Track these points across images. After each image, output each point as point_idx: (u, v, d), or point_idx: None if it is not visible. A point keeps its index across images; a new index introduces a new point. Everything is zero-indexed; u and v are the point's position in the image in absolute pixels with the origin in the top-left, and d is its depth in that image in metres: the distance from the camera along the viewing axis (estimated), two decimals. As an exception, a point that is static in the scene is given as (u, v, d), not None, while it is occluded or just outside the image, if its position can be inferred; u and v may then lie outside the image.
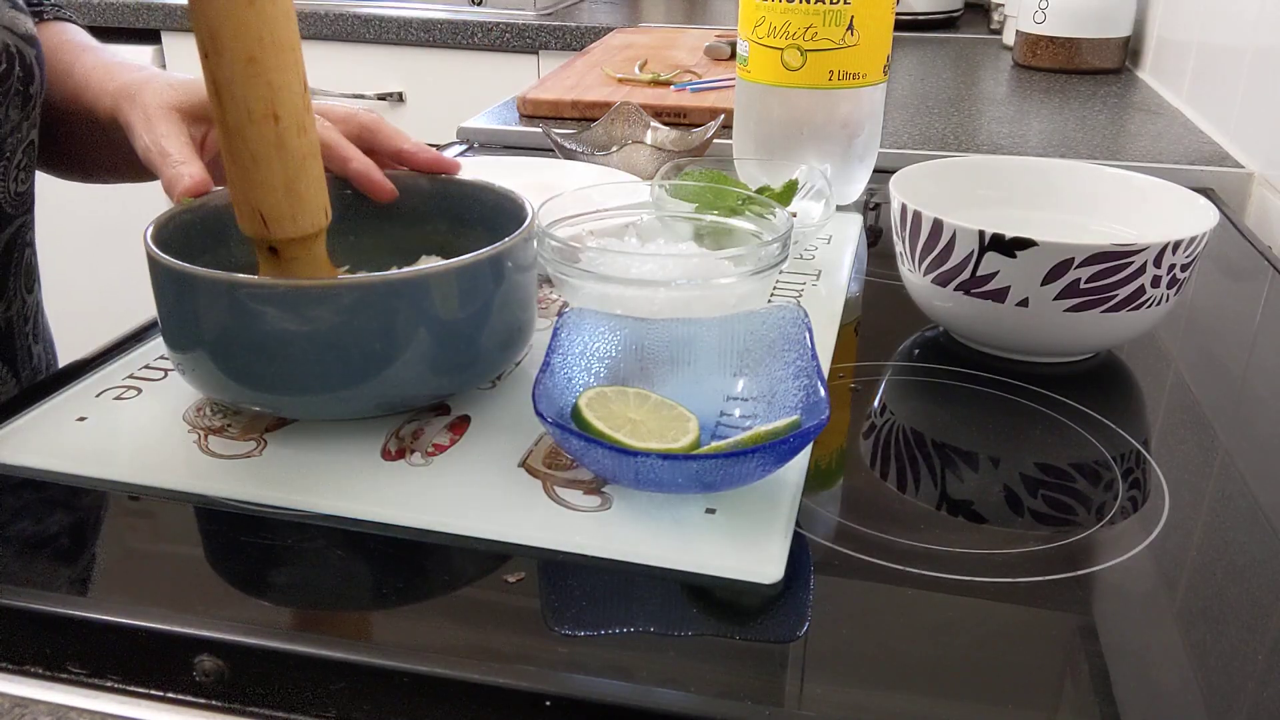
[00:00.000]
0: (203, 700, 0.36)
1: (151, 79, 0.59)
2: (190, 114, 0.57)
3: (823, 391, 0.45)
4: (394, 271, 0.47)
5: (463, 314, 0.47)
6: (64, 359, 0.73)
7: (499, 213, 0.55)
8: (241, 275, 0.45)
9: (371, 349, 0.45)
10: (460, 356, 0.48)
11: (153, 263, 0.47)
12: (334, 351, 0.45)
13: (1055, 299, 0.55)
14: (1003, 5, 1.64)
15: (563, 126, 1.06)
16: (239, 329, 0.45)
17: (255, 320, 0.44)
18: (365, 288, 0.45)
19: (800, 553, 0.42)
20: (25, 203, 0.65)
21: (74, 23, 0.71)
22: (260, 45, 0.42)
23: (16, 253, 0.64)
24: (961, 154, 0.99)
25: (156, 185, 0.60)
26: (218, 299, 0.45)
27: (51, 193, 0.80)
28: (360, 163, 0.56)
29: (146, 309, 0.56)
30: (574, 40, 1.70)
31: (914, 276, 0.61)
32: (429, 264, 0.49)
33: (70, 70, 0.65)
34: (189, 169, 0.53)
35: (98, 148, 0.69)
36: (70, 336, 0.79)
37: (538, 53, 1.74)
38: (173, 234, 0.50)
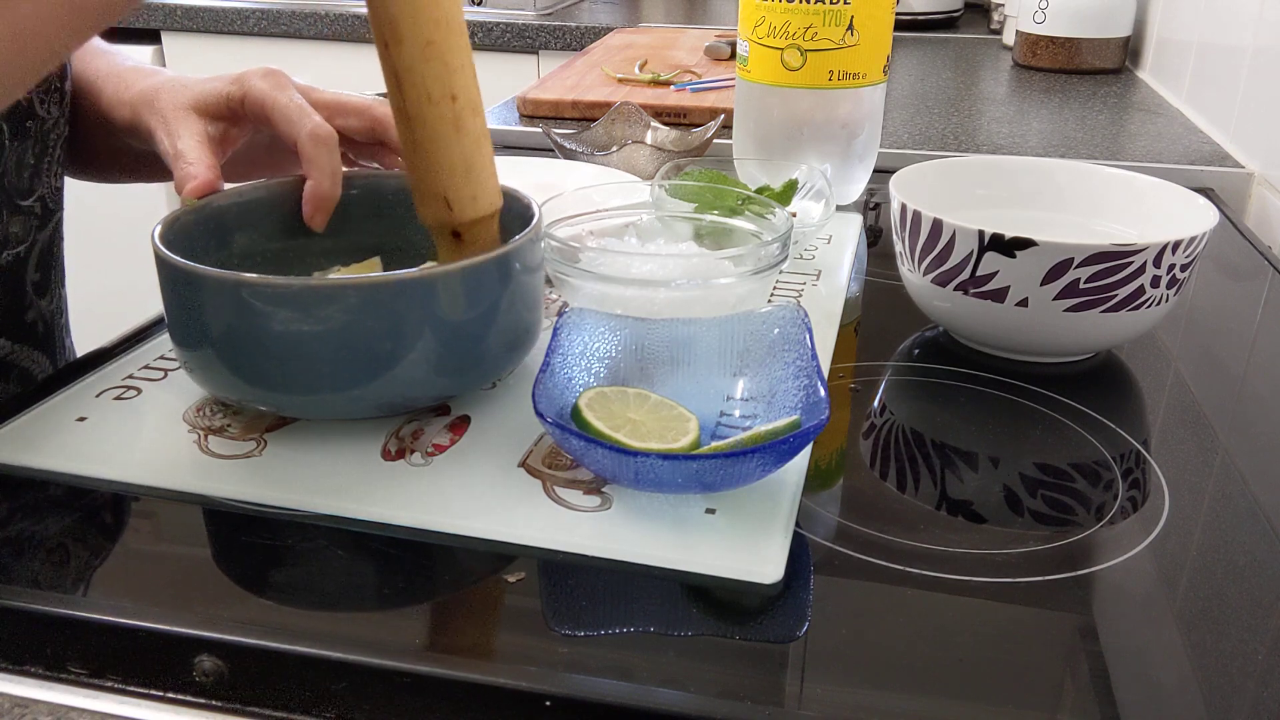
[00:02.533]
0: (203, 700, 0.36)
1: (167, 82, 0.59)
2: (207, 111, 0.57)
3: (823, 391, 0.45)
4: (401, 272, 0.47)
5: (469, 314, 0.47)
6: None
7: (503, 212, 0.55)
8: (247, 274, 0.45)
9: (378, 349, 0.45)
10: (466, 357, 0.48)
11: (160, 262, 0.47)
12: (340, 351, 0.45)
13: (1055, 299, 0.55)
14: (1003, 5, 1.64)
15: (563, 126, 1.06)
16: (245, 328, 0.45)
17: (261, 319, 0.44)
18: (372, 288, 0.45)
19: (800, 553, 0.42)
20: (61, 197, 0.66)
21: None
22: (436, 28, 0.44)
23: (56, 247, 0.65)
24: (961, 154, 0.99)
25: (155, 186, 0.60)
26: (224, 298, 0.45)
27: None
28: (315, 180, 0.54)
29: (146, 309, 0.56)
30: (574, 40, 1.70)
31: (914, 276, 0.61)
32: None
33: (82, 75, 0.66)
34: (196, 169, 0.54)
35: (111, 151, 0.69)
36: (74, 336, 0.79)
37: (538, 53, 1.74)
38: (179, 234, 0.50)
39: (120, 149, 0.66)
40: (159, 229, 0.49)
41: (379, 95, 0.59)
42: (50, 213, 0.63)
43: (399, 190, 0.59)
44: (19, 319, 0.62)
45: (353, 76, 1.79)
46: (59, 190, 0.65)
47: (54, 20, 0.43)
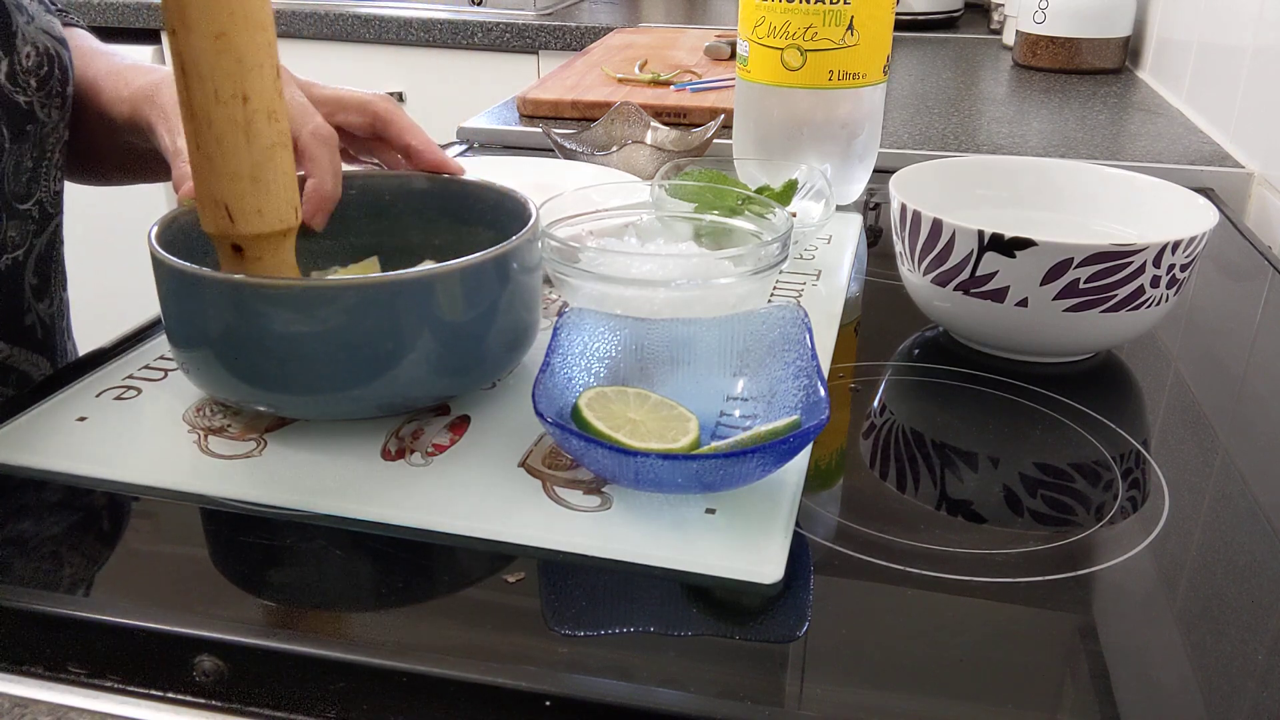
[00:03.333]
0: (203, 700, 0.36)
1: (166, 78, 0.59)
2: None
3: (823, 391, 0.45)
4: (399, 272, 0.46)
5: (468, 314, 0.47)
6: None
7: (501, 212, 0.55)
8: (245, 275, 0.45)
9: (376, 350, 0.45)
10: (465, 357, 0.48)
11: (157, 263, 0.47)
12: (338, 352, 0.45)
13: (1055, 299, 0.55)
14: (1003, 5, 1.64)
15: (563, 126, 1.06)
16: (242, 329, 0.45)
17: (258, 320, 0.44)
18: (371, 288, 0.45)
19: (800, 553, 0.42)
20: (60, 201, 0.66)
21: (81, 28, 0.72)
22: (231, 19, 0.41)
23: (55, 251, 0.65)
24: (961, 154, 0.99)
25: (155, 187, 0.60)
26: (221, 298, 0.45)
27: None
28: (317, 180, 0.53)
29: (146, 309, 0.56)
30: (574, 40, 1.70)
31: (914, 276, 0.61)
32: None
33: (83, 76, 0.66)
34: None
35: (112, 151, 0.69)
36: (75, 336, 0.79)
37: (538, 53, 1.74)
38: (176, 234, 0.50)
39: (120, 147, 0.66)
40: (155, 230, 0.49)
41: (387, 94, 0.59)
42: (49, 217, 0.63)
43: (397, 190, 0.59)
44: (17, 322, 0.62)
45: (352, 76, 1.79)
46: (58, 195, 0.65)
47: None
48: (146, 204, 1.77)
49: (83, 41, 0.69)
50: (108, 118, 0.63)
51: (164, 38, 1.85)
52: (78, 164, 0.72)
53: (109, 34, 1.86)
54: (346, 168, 0.57)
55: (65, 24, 0.70)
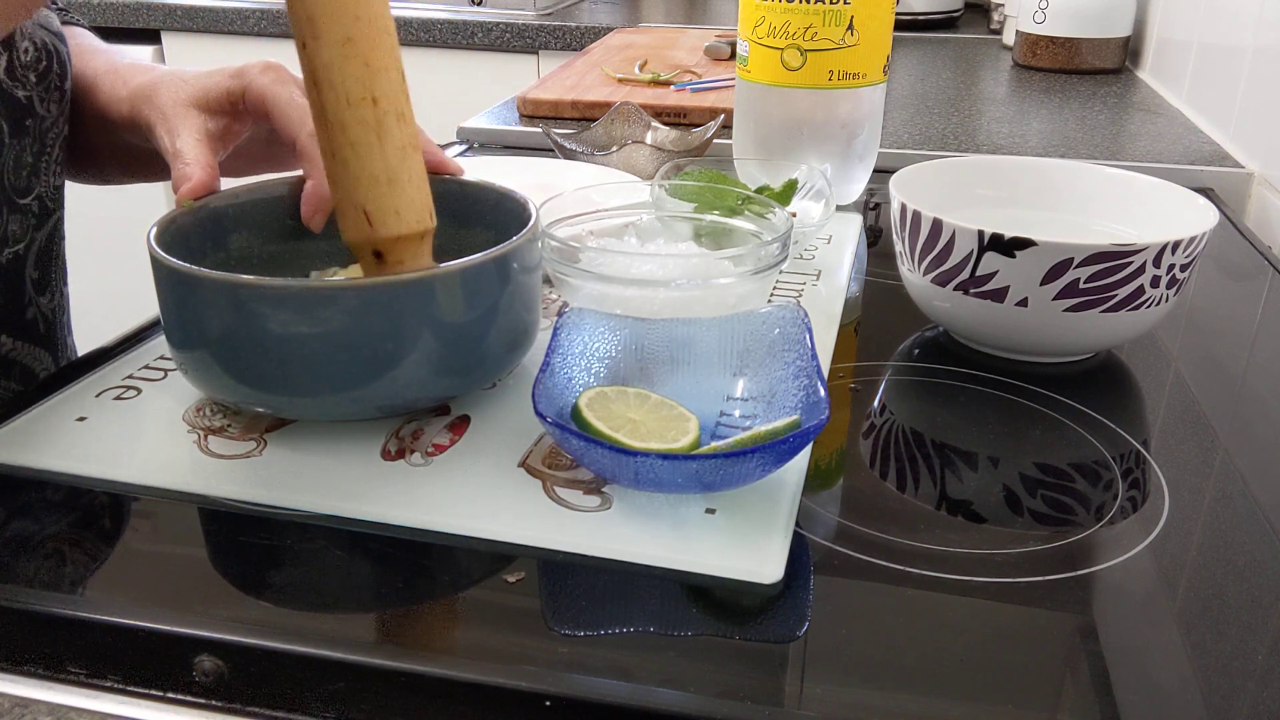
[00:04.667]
0: (203, 700, 0.36)
1: (165, 77, 0.59)
2: (208, 107, 0.57)
3: (823, 391, 0.45)
4: (400, 273, 0.46)
5: (468, 315, 0.47)
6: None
7: (501, 212, 0.55)
8: (244, 276, 0.45)
9: (376, 351, 0.45)
10: (466, 358, 0.48)
11: (156, 264, 0.47)
12: (338, 353, 0.45)
13: (1055, 299, 0.55)
14: (1003, 5, 1.64)
15: (563, 126, 1.06)
16: (242, 330, 0.45)
17: (258, 321, 0.44)
18: (370, 289, 0.45)
19: (800, 553, 0.42)
20: (60, 196, 0.66)
21: (81, 26, 0.72)
22: (356, 24, 0.42)
23: (55, 246, 0.65)
24: (961, 154, 0.99)
25: (155, 186, 0.60)
26: (221, 300, 0.45)
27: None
28: (315, 181, 0.54)
29: (146, 309, 0.56)
30: (574, 40, 1.70)
31: (914, 276, 0.61)
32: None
33: (81, 73, 0.66)
34: (192, 170, 0.53)
35: (111, 150, 0.69)
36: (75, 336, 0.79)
37: (538, 53, 1.74)
38: (174, 235, 0.50)
39: (119, 146, 0.66)
40: (154, 230, 0.49)
41: None
42: (49, 212, 0.63)
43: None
44: (19, 317, 0.62)
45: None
46: (58, 189, 0.65)
47: None
48: (147, 203, 1.77)
49: (82, 39, 0.69)
50: (106, 116, 0.63)
51: (163, 37, 1.85)
52: (77, 162, 0.72)
53: (109, 34, 1.86)
54: None
55: (65, 22, 0.70)
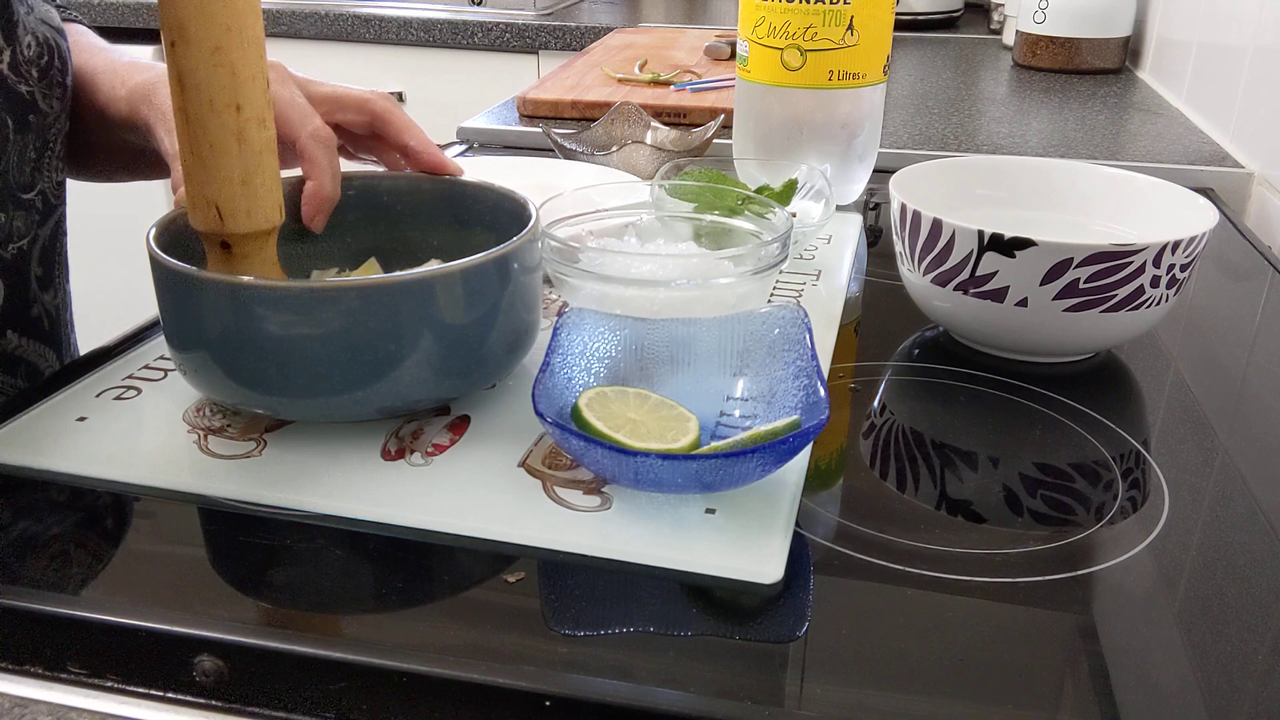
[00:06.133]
0: (203, 700, 0.36)
1: (162, 76, 0.59)
2: None
3: (822, 391, 0.45)
4: (400, 273, 0.46)
5: (469, 316, 0.47)
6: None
7: (501, 213, 0.55)
8: (244, 277, 0.45)
9: (376, 352, 0.45)
10: (466, 359, 0.48)
11: (155, 265, 0.47)
12: (338, 354, 0.45)
13: (1054, 299, 0.55)
14: (1003, 5, 1.64)
15: (563, 126, 1.06)
16: (241, 331, 0.45)
17: (257, 322, 0.44)
18: (371, 290, 0.45)
19: (800, 553, 0.42)
20: (63, 192, 0.66)
21: (81, 23, 0.72)
22: (226, 35, 0.43)
23: (59, 242, 0.66)
24: (961, 154, 0.99)
25: (155, 185, 0.60)
26: (220, 301, 0.45)
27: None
28: (316, 181, 0.55)
29: (146, 309, 0.56)
30: (574, 40, 1.70)
31: (913, 276, 0.61)
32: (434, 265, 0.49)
33: (81, 71, 0.66)
34: None
35: (109, 148, 0.69)
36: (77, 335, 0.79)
37: (538, 53, 1.74)
38: (174, 236, 0.50)
39: (118, 145, 0.66)
40: (154, 231, 0.49)
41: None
42: (52, 207, 0.63)
43: (396, 191, 0.59)
44: (24, 313, 0.62)
45: (352, 76, 1.79)
46: (60, 185, 0.65)
47: None
48: (147, 203, 1.77)
49: (81, 37, 0.69)
50: (105, 115, 0.63)
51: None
52: (75, 159, 0.72)
53: (109, 34, 1.85)
54: (346, 167, 0.57)
55: (65, 19, 0.70)
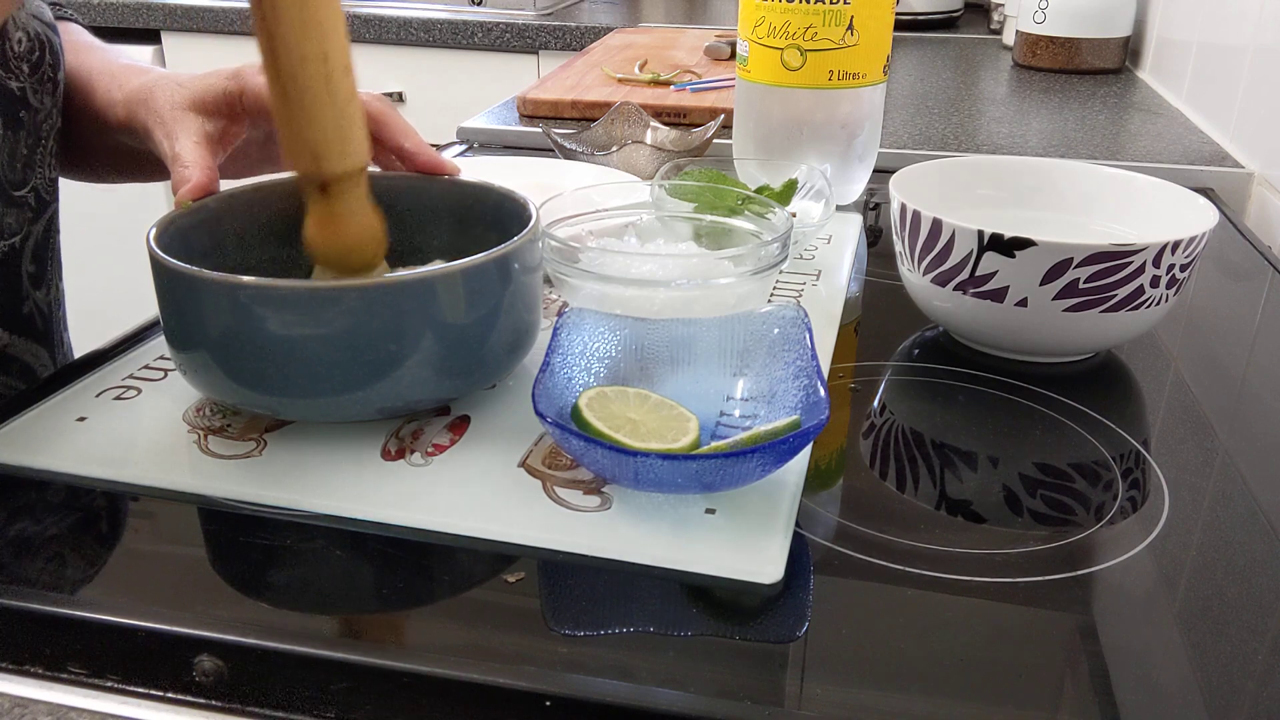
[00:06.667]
0: (203, 700, 0.36)
1: (161, 81, 0.59)
2: (206, 109, 0.57)
3: (822, 391, 0.45)
4: (400, 273, 0.46)
5: (470, 316, 0.47)
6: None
7: (501, 213, 0.55)
8: (246, 277, 0.45)
9: (377, 352, 0.45)
10: (467, 359, 0.48)
11: (156, 265, 0.47)
12: (338, 355, 0.45)
13: (1054, 299, 0.55)
14: (1003, 5, 1.64)
15: (563, 126, 1.06)
16: (242, 331, 0.45)
17: (259, 323, 0.44)
18: (371, 290, 0.45)
19: (800, 553, 0.42)
20: (56, 189, 0.66)
21: (77, 22, 0.72)
22: None
23: (51, 239, 0.65)
24: (961, 154, 0.99)
25: (155, 185, 0.60)
26: (221, 302, 0.45)
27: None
28: (417, 144, 0.58)
29: (146, 309, 0.56)
30: (574, 40, 1.70)
31: (913, 276, 0.61)
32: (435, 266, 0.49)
33: (76, 71, 0.65)
34: (191, 172, 0.54)
35: (105, 150, 0.69)
36: (72, 334, 0.79)
37: (538, 53, 1.74)
38: (174, 236, 0.50)
39: (114, 147, 0.66)
40: (154, 232, 0.49)
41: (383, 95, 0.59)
42: (44, 204, 0.63)
43: (395, 191, 0.59)
44: (16, 311, 0.62)
45: (353, 76, 1.78)
46: (53, 182, 0.65)
47: None
48: (147, 203, 1.77)
49: (75, 35, 0.69)
50: (102, 118, 0.63)
51: (163, 37, 1.85)
52: (70, 160, 0.72)
53: (109, 34, 1.86)
54: None
55: (59, 17, 0.70)
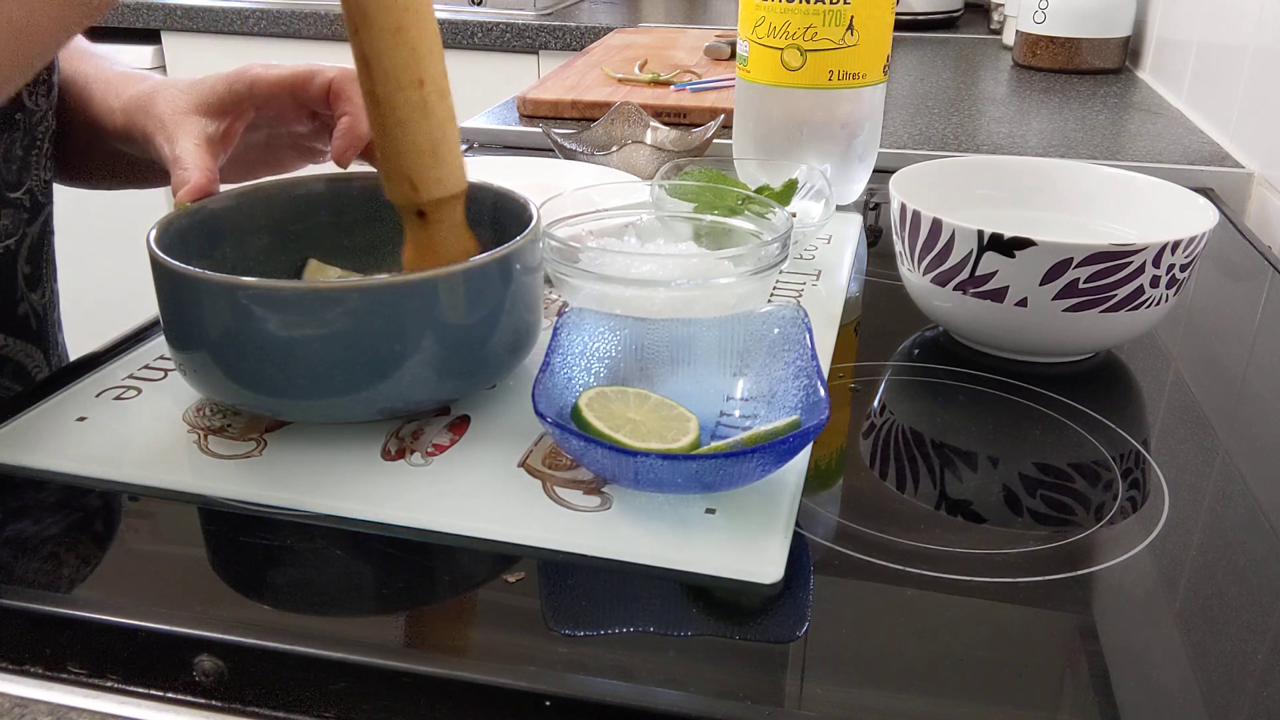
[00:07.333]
0: (203, 700, 0.36)
1: (160, 87, 0.59)
2: (206, 111, 0.57)
3: (822, 391, 0.45)
4: (402, 274, 0.46)
5: (471, 317, 0.47)
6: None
7: (501, 213, 0.55)
8: (246, 278, 0.45)
9: (379, 353, 0.45)
10: (468, 360, 0.48)
11: (156, 266, 0.47)
12: (339, 356, 0.45)
13: (1054, 299, 0.55)
14: (1003, 5, 1.64)
15: (563, 126, 1.06)
16: (242, 332, 0.45)
17: (259, 323, 0.44)
18: (372, 290, 0.45)
19: (800, 553, 0.42)
20: (51, 191, 0.66)
21: None
22: (405, 14, 0.45)
23: (46, 240, 0.65)
24: (961, 154, 0.99)
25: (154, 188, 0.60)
26: (222, 302, 0.45)
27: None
28: (352, 117, 0.57)
29: (146, 309, 0.56)
30: (574, 40, 1.70)
31: (913, 276, 0.61)
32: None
33: (73, 77, 0.65)
34: (191, 174, 0.54)
35: (102, 157, 0.69)
36: (69, 335, 0.79)
37: (538, 53, 1.74)
38: (174, 237, 0.50)
39: (112, 154, 0.66)
40: (154, 233, 0.49)
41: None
42: (40, 206, 0.63)
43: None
44: (11, 312, 0.62)
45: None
46: (48, 184, 0.65)
47: (47, 15, 0.43)
48: (148, 202, 1.77)
49: (73, 42, 0.69)
50: (100, 126, 0.63)
51: (163, 37, 1.85)
52: (70, 168, 0.72)
53: (108, 34, 1.86)
54: (347, 171, 0.57)
55: None
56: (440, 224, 0.49)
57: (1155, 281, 0.55)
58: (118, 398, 0.52)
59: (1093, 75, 1.38)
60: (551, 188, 0.68)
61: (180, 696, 0.36)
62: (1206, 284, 0.73)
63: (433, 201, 0.48)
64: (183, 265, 0.45)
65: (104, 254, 1.81)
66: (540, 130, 1.02)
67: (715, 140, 0.90)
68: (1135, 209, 0.65)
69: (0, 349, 0.61)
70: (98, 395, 0.52)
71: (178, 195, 0.53)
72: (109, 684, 0.36)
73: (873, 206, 0.88)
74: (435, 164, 0.47)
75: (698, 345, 0.51)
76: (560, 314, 0.50)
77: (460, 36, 1.74)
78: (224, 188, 0.55)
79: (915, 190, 0.63)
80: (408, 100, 0.46)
